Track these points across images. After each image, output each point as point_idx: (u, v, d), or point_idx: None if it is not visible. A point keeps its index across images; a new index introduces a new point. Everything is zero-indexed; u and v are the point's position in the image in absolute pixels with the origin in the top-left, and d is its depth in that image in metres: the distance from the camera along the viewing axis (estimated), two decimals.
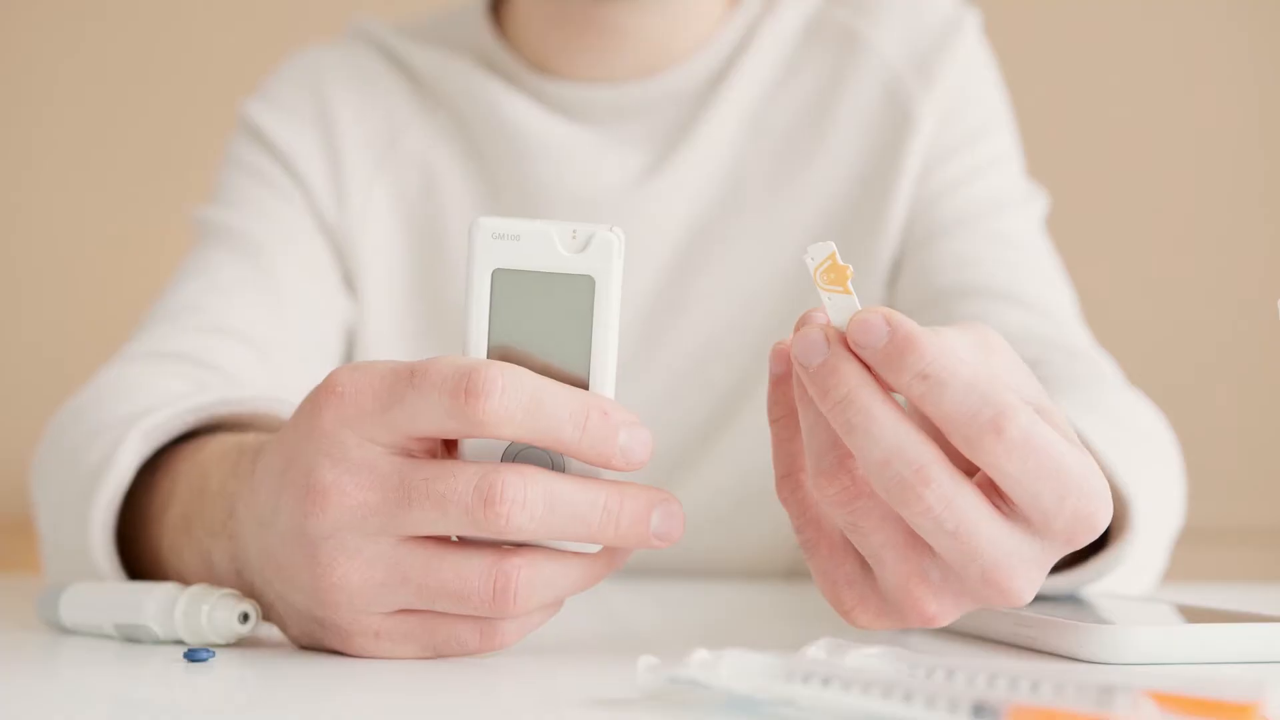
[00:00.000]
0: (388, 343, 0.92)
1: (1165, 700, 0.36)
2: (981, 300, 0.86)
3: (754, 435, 0.91)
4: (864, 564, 0.50)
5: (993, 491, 0.47)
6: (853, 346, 0.45)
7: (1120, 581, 0.64)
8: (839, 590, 0.51)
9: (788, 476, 0.51)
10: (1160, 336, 1.88)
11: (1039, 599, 0.61)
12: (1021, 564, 0.47)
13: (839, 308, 0.47)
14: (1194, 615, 0.56)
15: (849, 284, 0.47)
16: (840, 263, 0.47)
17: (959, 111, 0.91)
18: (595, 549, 0.49)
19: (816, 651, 0.44)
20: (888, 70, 0.91)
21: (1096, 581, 0.61)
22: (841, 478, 0.47)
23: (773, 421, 0.51)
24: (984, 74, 0.93)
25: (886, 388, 0.46)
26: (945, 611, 0.49)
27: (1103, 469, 0.60)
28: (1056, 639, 0.53)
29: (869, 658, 0.43)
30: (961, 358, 0.45)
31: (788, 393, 0.49)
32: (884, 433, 0.45)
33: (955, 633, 0.60)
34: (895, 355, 0.45)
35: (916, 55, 0.91)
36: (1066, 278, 0.91)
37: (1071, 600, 0.61)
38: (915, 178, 0.90)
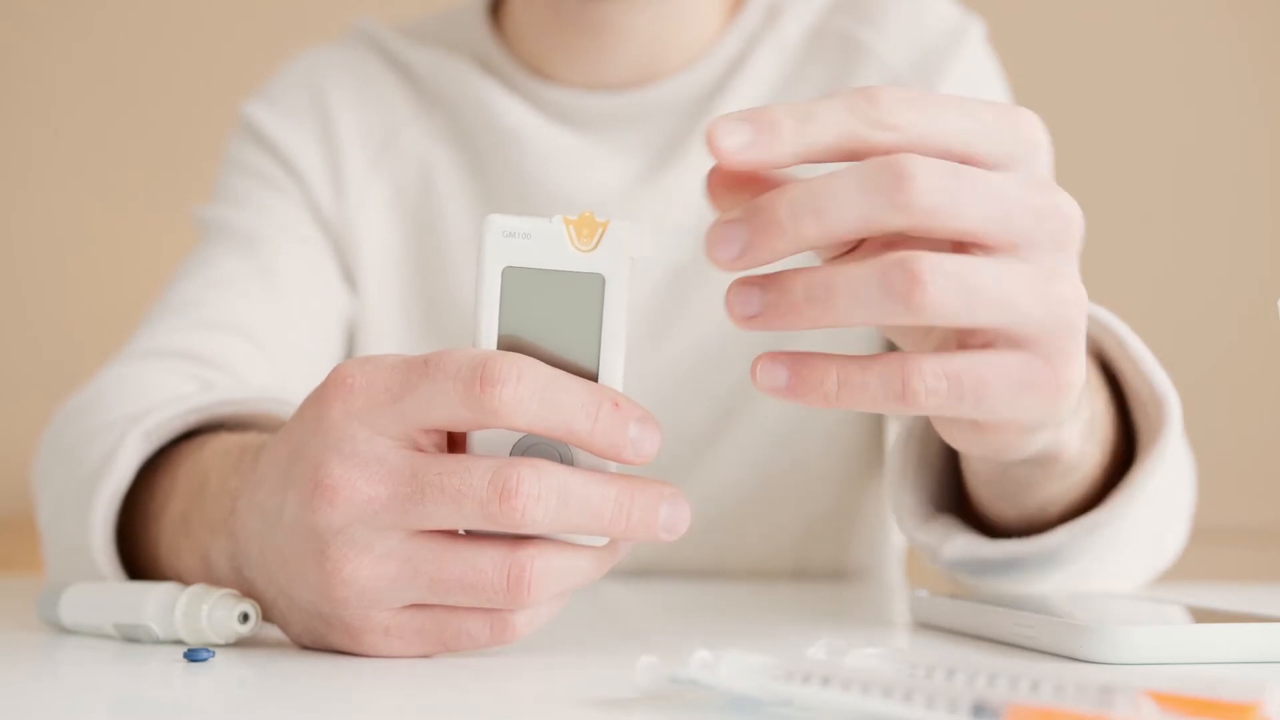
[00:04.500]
0: (387, 339, 0.93)
1: (1165, 700, 0.36)
2: None
3: (754, 438, 0.91)
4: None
5: (962, 250, 0.46)
6: (716, 251, 0.45)
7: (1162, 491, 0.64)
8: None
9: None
10: (1160, 336, 1.88)
11: (1037, 600, 0.61)
12: (1048, 282, 0.46)
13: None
14: (1195, 615, 0.56)
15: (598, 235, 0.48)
16: (587, 215, 0.48)
17: None
18: (603, 542, 0.50)
19: (816, 652, 0.44)
20: (889, 77, 0.91)
21: (1151, 479, 0.61)
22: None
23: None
24: (986, 82, 0.93)
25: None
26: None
27: (1148, 381, 0.61)
28: (1056, 639, 0.53)
29: (869, 658, 0.43)
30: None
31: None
32: (842, 272, 0.45)
33: (955, 633, 0.61)
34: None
35: (919, 63, 0.91)
36: None
37: (1071, 600, 0.61)
38: None
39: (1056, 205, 0.47)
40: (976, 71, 0.92)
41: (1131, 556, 0.67)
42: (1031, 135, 0.48)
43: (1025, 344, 0.47)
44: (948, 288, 0.44)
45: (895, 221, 0.44)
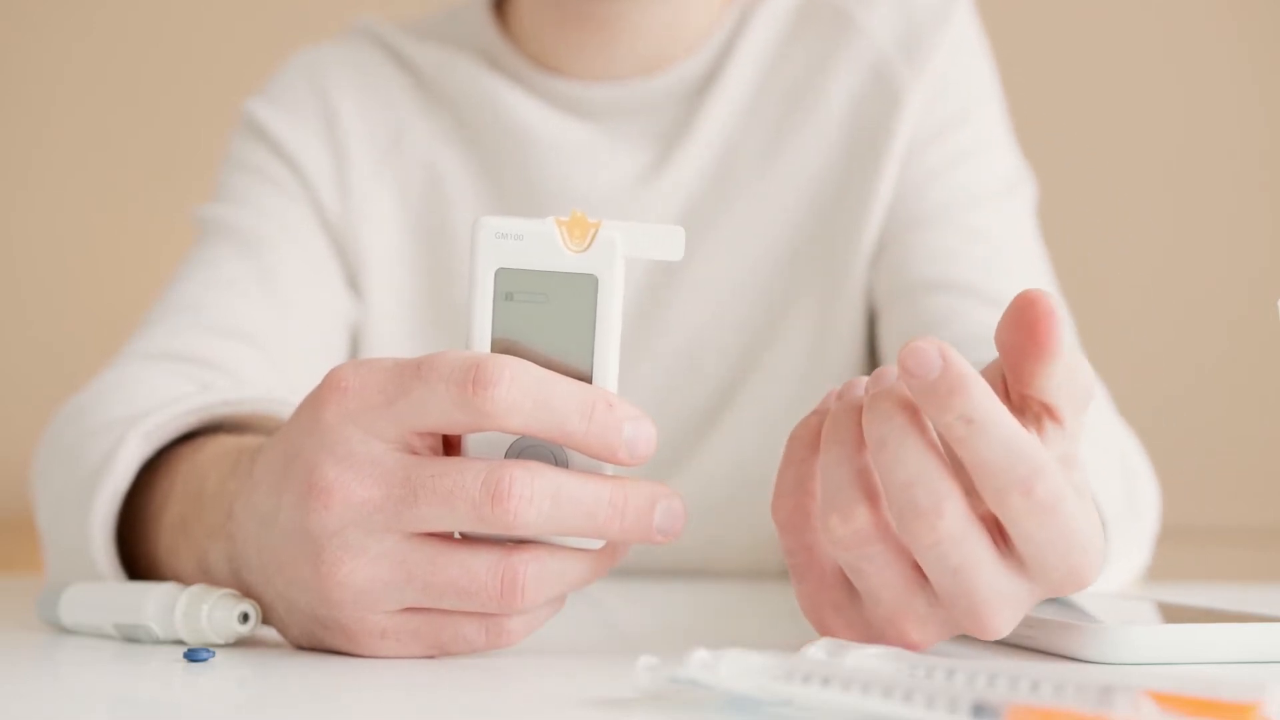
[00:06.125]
0: (393, 342, 0.92)
1: (1165, 700, 0.36)
2: (950, 296, 0.85)
3: (748, 424, 0.91)
4: (852, 592, 0.50)
5: (997, 532, 0.46)
6: (901, 373, 0.44)
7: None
8: (823, 614, 0.51)
9: (791, 497, 0.50)
10: (1161, 336, 1.88)
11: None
12: (1008, 604, 0.47)
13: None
14: (1194, 615, 0.55)
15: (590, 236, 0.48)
16: (579, 216, 0.48)
17: (944, 95, 0.90)
18: (598, 545, 0.49)
19: (816, 651, 0.44)
20: (877, 52, 0.91)
21: None
22: (855, 519, 0.46)
23: (793, 438, 0.50)
24: (972, 58, 0.93)
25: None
26: (928, 639, 0.49)
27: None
28: (1056, 639, 0.53)
29: (869, 658, 0.43)
30: (1003, 407, 0.45)
31: (822, 420, 0.49)
32: (912, 455, 0.45)
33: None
34: (944, 392, 0.44)
35: (907, 37, 0.91)
36: (1049, 276, 0.90)
37: (1071, 600, 0.61)
38: (901, 160, 0.89)
39: (1085, 577, 0.47)
40: (964, 45, 0.92)
41: None
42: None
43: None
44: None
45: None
